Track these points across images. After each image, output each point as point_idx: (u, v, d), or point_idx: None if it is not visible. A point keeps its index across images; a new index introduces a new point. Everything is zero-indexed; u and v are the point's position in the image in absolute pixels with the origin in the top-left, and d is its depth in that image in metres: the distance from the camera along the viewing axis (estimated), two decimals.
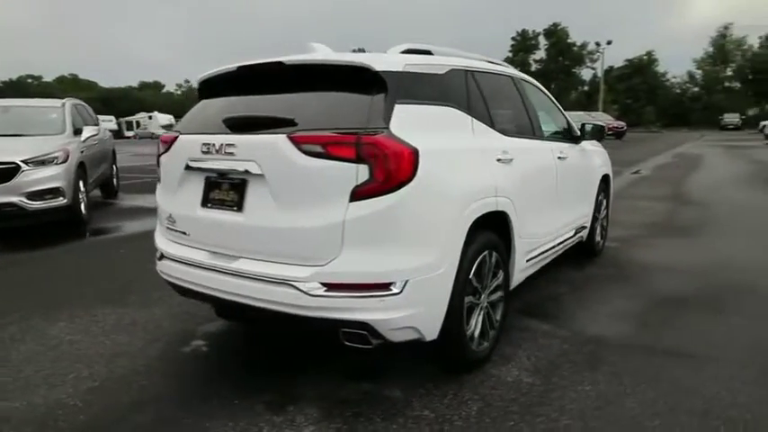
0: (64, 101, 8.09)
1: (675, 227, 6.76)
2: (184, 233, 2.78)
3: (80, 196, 7.05)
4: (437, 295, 2.46)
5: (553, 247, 3.87)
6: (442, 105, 2.72)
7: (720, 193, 9.67)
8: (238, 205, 2.53)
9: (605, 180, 5.20)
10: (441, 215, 2.45)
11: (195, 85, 3.20)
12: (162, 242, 2.95)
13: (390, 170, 2.22)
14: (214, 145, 2.56)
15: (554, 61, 64.03)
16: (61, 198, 6.52)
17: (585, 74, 65.22)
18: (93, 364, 3.04)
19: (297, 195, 2.35)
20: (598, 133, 4.54)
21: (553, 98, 4.43)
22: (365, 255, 2.27)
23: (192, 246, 2.74)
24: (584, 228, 4.68)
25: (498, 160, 2.96)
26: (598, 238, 5.20)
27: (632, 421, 2.39)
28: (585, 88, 64.36)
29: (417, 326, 2.40)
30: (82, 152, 7.30)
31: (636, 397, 2.59)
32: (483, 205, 2.70)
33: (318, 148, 2.28)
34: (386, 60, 2.49)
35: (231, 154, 2.50)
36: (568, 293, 4.18)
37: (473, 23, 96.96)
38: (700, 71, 57.64)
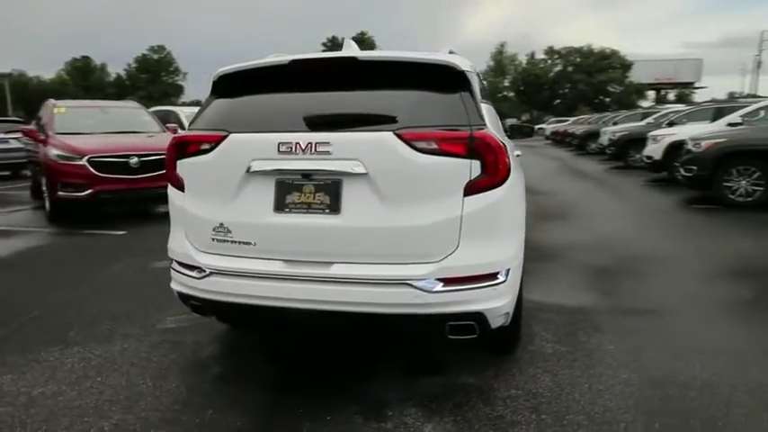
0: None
1: (547, 213, 7.92)
2: (249, 243, 2.48)
3: None
4: (518, 281, 2.66)
5: None
6: (490, 104, 2.92)
7: (551, 183, 11.50)
8: (332, 207, 2.38)
9: None
10: (520, 206, 2.66)
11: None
12: (204, 258, 2.57)
13: (499, 165, 2.36)
14: (299, 144, 2.36)
15: None
16: None
17: None
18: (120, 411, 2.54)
19: (408, 193, 2.33)
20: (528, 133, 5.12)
21: None
22: (478, 247, 2.36)
23: (261, 256, 2.48)
24: None
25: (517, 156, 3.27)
26: None
27: (650, 361, 2.91)
28: None
29: (509, 311, 2.57)
30: None
31: (648, 343, 3.14)
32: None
33: (432, 145, 2.30)
34: (461, 61, 2.59)
35: (326, 153, 2.34)
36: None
37: (284, 27, 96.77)
38: (485, 82, 66.49)
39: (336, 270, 2.38)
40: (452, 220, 2.32)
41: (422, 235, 2.33)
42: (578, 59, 59.72)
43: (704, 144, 8.29)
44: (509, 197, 2.45)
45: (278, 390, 2.75)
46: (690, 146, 8.60)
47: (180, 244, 2.70)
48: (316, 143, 2.34)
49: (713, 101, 25.64)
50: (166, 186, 8.10)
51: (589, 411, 2.47)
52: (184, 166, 2.65)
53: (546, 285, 4.33)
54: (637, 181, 11.65)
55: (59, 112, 8.67)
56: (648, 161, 11.71)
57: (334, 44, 69.01)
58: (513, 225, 2.55)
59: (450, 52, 2.81)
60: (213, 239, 2.55)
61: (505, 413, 2.48)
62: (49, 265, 5.39)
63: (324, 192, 2.39)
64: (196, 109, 15.56)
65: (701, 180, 8.28)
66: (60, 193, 7.33)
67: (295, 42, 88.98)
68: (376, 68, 2.54)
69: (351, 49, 2.90)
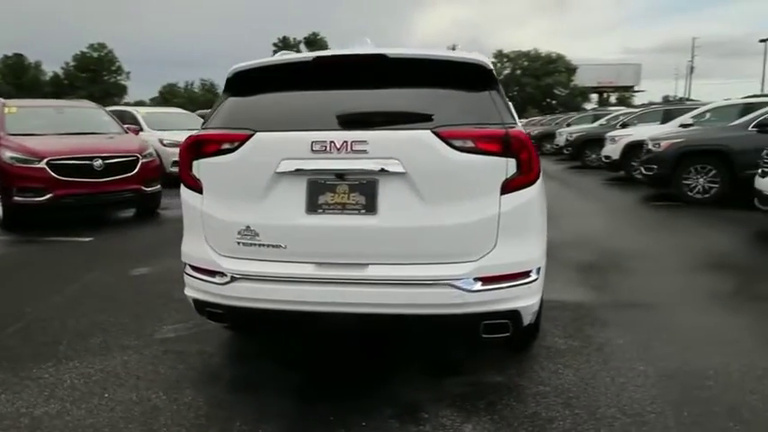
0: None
1: None
2: (279, 246, 2.38)
3: None
4: (544, 278, 2.69)
5: None
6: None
7: None
8: (368, 207, 2.32)
9: None
10: (545, 204, 2.68)
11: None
12: (228, 262, 2.45)
13: (532, 163, 2.37)
14: (333, 143, 2.28)
15: None
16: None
17: None
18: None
19: (446, 192, 2.31)
20: None
21: None
22: (513, 245, 2.37)
23: (291, 259, 2.38)
24: None
25: None
26: None
27: (661, 353, 3.02)
28: None
29: (538, 308, 2.59)
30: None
31: (654, 336, 3.25)
32: None
33: (469, 143, 2.29)
34: (486, 59, 2.60)
35: (363, 152, 2.28)
36: None
37: (232, 27, 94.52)
38: None
39: (373, 272, 2.33)
40: (490, 219, 2.31)
41: (460, 234, 2.31)
42: (526, 63, 61.65)
43: (663, 144, 8.72)
44: (539, 195, 2.48)
45: (302, 397, 2.66)
46: (650, 146, 9.02)
47: (197, 248, 2.56)
48: (352, 142, 2.28)
49: (651, 104, 27.11)
50: (133, 190, 7.91)
51: (618, 404, 2.52)
52: (203, 167, 2.52)
53: (546, 283, 4.41)
54: (596, 180, 12.11)
55: (10, 111, 8.08)
56: (607, 161, 12.20)
57: (286, 44, 68.18)
58: (542, 223, 2.58)
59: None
60: (239, 243, 2.44)
61: (539, 410, 2.49)
62: (16, 276, 5.01)
63: (359, 192, 2.33)
64: (154, 109, 15.08)
65: (662, 178, 8.70)
66: (16, 198, 6.83)
67: (244, 42, 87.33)
68: (404, 66, 2.50)
69: (368, 47, 2.85)
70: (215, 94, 68.85)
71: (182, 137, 11.63)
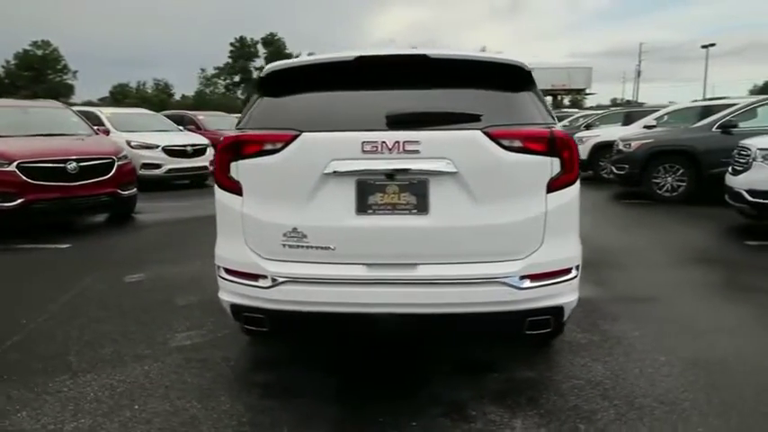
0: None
1: None
2: (328, 248, 2.35)
3: None
4: None
5: None
6: None
7: None
8: (420, 207, 2.33)
9: None
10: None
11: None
12: (273, 266, 2.40)
13: (574, 162, 2.44)
14: (385, 143, 2.28)
15: None
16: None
17: None
18: None
19: (496, 191, 2.34)
20: None
21: None
22: (558, 243, 2.43)
23: (341, 261, 2.36)
24: None
25: None
26: None
27: (676, 343, 3.17)
28: None
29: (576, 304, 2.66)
30: None
31: (665, 328, 3.39)
32: None
33: (517, 143, 2.33)
34: (524, 61, 2.64)
35: (415, 152, 2.28)
36: None
37: (187, 27, 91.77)
38: None
39: (424, 271, 2.33)
40: (538, 217, 2.36)
41: (510, 232, 2.35)
42: None
43: (634, 145, 9.09)
44: (578, 194, 2.54)
45: (343, 400, 2.64)
46: (620, 146, 9.39)
47: (237, 251, 2.49)
48: (404, 142, 2.28)
49: (599, 107, 28.16)
50: (109, 194, 7.61)
51: (652, 394, 2.62)
52: (243, 169, 2.45)
53: None
54: None
55: None
56: None
57: (243, 44, 67.10)
58: (578, 221, 2.65)
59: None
60: (284, 245, 2.39)
61: (579, 403, 2.56)
62: (1, 286, 4.71)
63: (409, 192, 2.33)
64: (120, 110, 14.40)
65: (632, 177, 9.07)
66: None
67: (200, 43, 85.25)
68: (445, 66, 2.51)
69: (397, 48, 2.85)
70: (169, 94, 66.91)
71: (151, 138, 11.33)
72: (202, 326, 3.59)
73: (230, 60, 66.23)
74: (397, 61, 2.53)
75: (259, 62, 67.04)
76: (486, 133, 2.32)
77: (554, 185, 2.39)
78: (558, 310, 2.47)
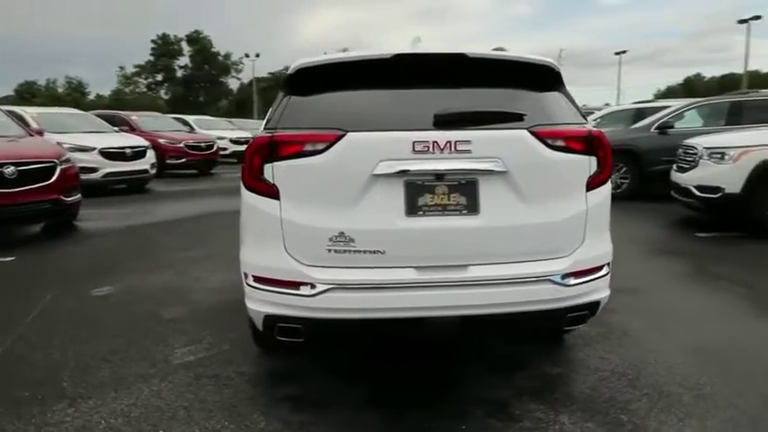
0: None
1: None
2: (378, 251, 2.26)
3: None
4: None
5: None
6: None
7: None
8: (470, 208, 2.29)
9: None
10: None
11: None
12: (318, 272, 2.27)
13: (608, 161, 2.51)
14: (436, 143, 2.22)
15: (200, 69, 63.57)
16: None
17: (232, 83, 67.25)
18: None
19: (543, 190, 2.35)
20: None
21: None
22: (596, 240, 2.50)
23: (391, 265, 2.28)
24: None
25: None
26: None
27: (677, 331, 3.37)
28: (230, 98, 66.26)
29: None
30: None
31: (663, 318, 3.59)
32: None
33: (560, 142, 2.36)
34: (554, 61, 2.68)
35: (467, 152, 2.24)
36: None
37: (108, 23, 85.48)
38: None
39: (474, 272, 2.31)
40: (580, 215, 2.41)
41: (557, 230, 2.38)
42: None
43: None
44: (610, 192, 2.62)
45: (380, 408, 2.55)
46: None
47: (273, 258, 2.34)
48: (455, 142, 2.24)
49: None
50: (52, 200, 7.06)
51: (675, 381, 2.74)
52: (280, 171, 2.31)
53: None
54: None
55: None
56: None
57: (166, 41, 63.86)
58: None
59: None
60: (330, 250, 2.27)
61: (613, 394, 2.63)
62: None
63: (459, 192, 2.30)
64: (46, 110, 13.25)
65: None
66: None
67: (118, 39, 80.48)
68: (483, 66, 2.50)
69: (421, 46, 2.81)
70: (83, 93, 62.47)
71: (85, 140, 10.60)
72: (200, 340, 3.36)
73: (152, 58, 62.86)
74: (435, 60, 2.48)
75: (183, 60, 64.27)
76: (532, 132, 2.33)
77: (592, 184, 2.45)
78: (595, 306, 2.52)
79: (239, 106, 59.25)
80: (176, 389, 2.75)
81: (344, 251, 2.27)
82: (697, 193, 6.35)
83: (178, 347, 3.25)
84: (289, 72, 2.51)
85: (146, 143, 11.43)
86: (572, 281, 2.39)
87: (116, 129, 12.18)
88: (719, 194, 6.08)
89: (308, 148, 2.28)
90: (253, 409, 2.54)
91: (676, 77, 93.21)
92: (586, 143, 2.42)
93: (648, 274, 4.72)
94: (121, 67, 63.19)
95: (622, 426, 2.36)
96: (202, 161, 14.87)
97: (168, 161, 13.64)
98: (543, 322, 2.59)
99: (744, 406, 2.50)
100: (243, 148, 19.85)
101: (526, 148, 2.32)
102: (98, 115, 13.56)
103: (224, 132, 19.20)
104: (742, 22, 34.85)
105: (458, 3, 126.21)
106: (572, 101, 2.59)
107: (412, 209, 2.28)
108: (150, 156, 11.35)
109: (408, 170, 2.25)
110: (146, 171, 11.14)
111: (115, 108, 20.75)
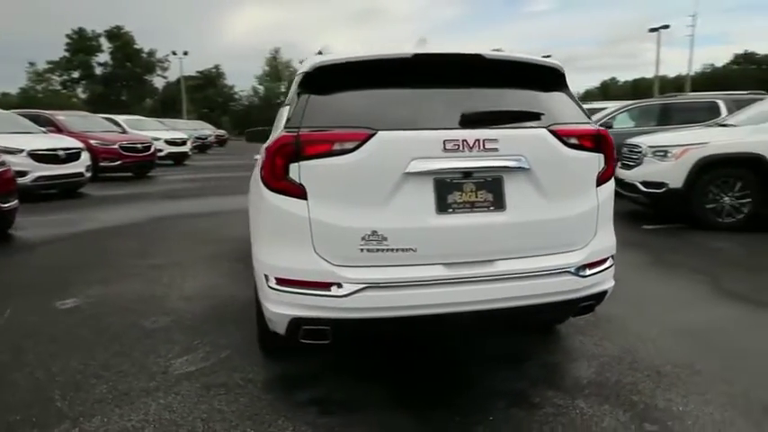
0: None
1: None
2: (409, 249, 2.26)
3: None
4: None
5: None
6: None
7: None
8: (497, 204, 2.35)
9: None
10: None
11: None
12: (351, 272, 2.25)
13: (613, 158, 2.66)
14: (466, 141, 2.27)
15: (122, 66, 60.08)
16: None
17: (157, 82, 64.17)
18: None
19: (561, 186, 2.46)
20: None
21: None
22: (605, 233, 2.65)
23: (421, 262, 2.29)
24: None
25: None
26: None
27: (656, 316, 3.62)
28: (155, 97, 63.23)
29: None
30: None
31: (638, 304, 3.84)
32: None
33: (574, 140, 2.48)
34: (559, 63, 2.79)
35: (494, 150, 2.30)
36: None
37: (16, 17, 78.24)
38: (261, 87, 66.01)
39: (501, 267, 2.37)
40: (593, 210, 2.54)
41: (574, 224, 2.49)
42: None
43: None
44: (614, 187, 2.77)
45: (407, 407, 2.55)
46: None
47: (301, 259, 2.29)
48: (484, 140, 2.30)
49: None
50: None
51: (670, 362, 2.94)
52: (307, 170, 2.26)
53: None
54: None
55: None
56: None
57: (82, 36, 59.80)
58: None
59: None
60: (362, 250, 2.25)
61: (618, 377, 2.80)
62: None
63: (486, 189, 2.35)
64: None
65: None
66: None
67: (30, 33, 74.54)
68: (497, 67, 2.57)
69: (427, 47, 2.84)
70: None
71: (11, 142, 9.88)
72: (194, 348, 3.22)
73: (67, 54, 58.64)
74: (452, 60, 2.53)
75: (103, 57, 60.49)
76: (551, 131, 2.43)
77: (601, 179, 2.59)
78: (602, 295, 2.67)
79: (165, 106, 56.60)
80: (187, 401, 2.62)
81: (377, 250, 2.26)
82: (642, 188, 6.82)
83: (173, 358, 3.10)
84: (305, 70, 2.46)
85: (80, 145, 10.70)
86: (587, 272, 2.51)
87: (44, 130, 11.29)
88: (664, 189, 6.56)
89: (337, 147, 2.25)
90: (276, 416, 2.48)
91: (592, 82, 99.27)
92: (596, 141, 2.55)
93: (618, 265, 5.01)
94: (32, 63, 58.61)
95: (636, 406, 2.51)
96: (139, 163, 14.10)
97: (102, 164, 12.83)
98: (560, 312, 2.70)
99: (736, 380, 2.74)
100: (180, 149, 19.24)
101: (546, 146, 2.42)
102: (25, 115, 12.50)
103: (158, 133, 18.28)
104: (653, 30, 37.70)
105: (389, 5, 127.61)
106: (576, 101, 2.72)
107: (442, 206, 2.31)
108: (85, 158, 10.64)
109: (438, 168, 2.28)
110: (81, 174, 10.43)
111: (24, 107, 19.13)
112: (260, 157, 3.09)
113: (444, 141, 2.27)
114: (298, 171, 2.28)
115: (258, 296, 2.66)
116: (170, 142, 18.53)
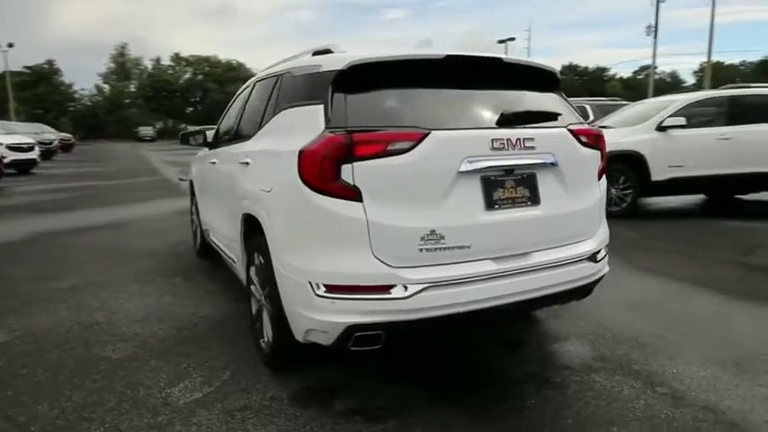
0: None
1: None
2: (464, 246, 2.30)
3: None
4: None
5: None
6: None
7: None
8: (532, 199, 2.50)
9: None
10: None
11: None
12: (412, 273, 2.22)
13: (605, 155, 2.96)
14: (509, 140, 2.37)
15: None
16: None
17: None
18: None
19: (577, 180, 2.69)
20: None
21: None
22: (604, 222, 2.94)
23: (474, 258, 2.34)
24: None
25: None
26: None
27: (635, 303, 4.09)
28: None
29: None
30: None
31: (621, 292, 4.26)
32: None
33: (584, 138, 2.73)
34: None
35: (531, 148, 2.44)
36: None
37: None
38: (107, 85, 59.73)
39: (536, 258, 2.52)
40: (599, 201, 2.83)
41: (588, 215, 2.75)
42: (207, 68, 60.59)
43: None
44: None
45: (448, 403, 2.58)
46: None
47: (359, 263, 2.20)
48: (524, 138, 2.43)
49: None
50: None
51: (644, 333, 3.33)
52: (361, 171, 2.18)
53: None
54: None
55: None
56: None
57: None
58: None
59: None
60: (422, 249, 2.24)
61: (611, 351, 3.11)
62: None
63: (523, 185, 2.49)
64: None
65: None
66: None
67: None
68: (513, 70, 2.72)
69: (432, 48, 2.89)
70: None
71: None
72: (186, 374, 2.91)
73: None
74: (477, 62, 2.62)
75: None
76: (570, 131, 2.65)
77: (600, 173, 2.88)
78: (601, 279, 2.96)
79: None
80: (214, 430, 2.37)
81: (435, 249, 2.27)
82: None
83: (167, 387, 2.77)
84: (339, 69, 2.36)
85: None
86: (598, 257, 2.78)
87: None
88: None
89: (392, 147, 2.21)
90: (324, 430, 2.35)
91: None
92: (596, 139, 2.84)
93: None
94: None
95: (640, 373, 2.84)
96: None
97: None
98: (575, 296, 2.91)
99: (695, 343, 3.21)
100: (26, 156, 16.64)
101: (568, 143, 2.64)
102: None
103: None
104: (501, 42, 41.59)
105: (243, 4, 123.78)
106: (569, 102, 2.99)
107: (490, 203, 2.40)
108: None
109: (487, 166, 2.36)
110: None
111: None
112: (259, 159, 2.89)
113: (492, 140, 2.36)
114: (351, 172, 2.19)
115: (286, 308, 2.50)
116: (13, 148, 16.02)
